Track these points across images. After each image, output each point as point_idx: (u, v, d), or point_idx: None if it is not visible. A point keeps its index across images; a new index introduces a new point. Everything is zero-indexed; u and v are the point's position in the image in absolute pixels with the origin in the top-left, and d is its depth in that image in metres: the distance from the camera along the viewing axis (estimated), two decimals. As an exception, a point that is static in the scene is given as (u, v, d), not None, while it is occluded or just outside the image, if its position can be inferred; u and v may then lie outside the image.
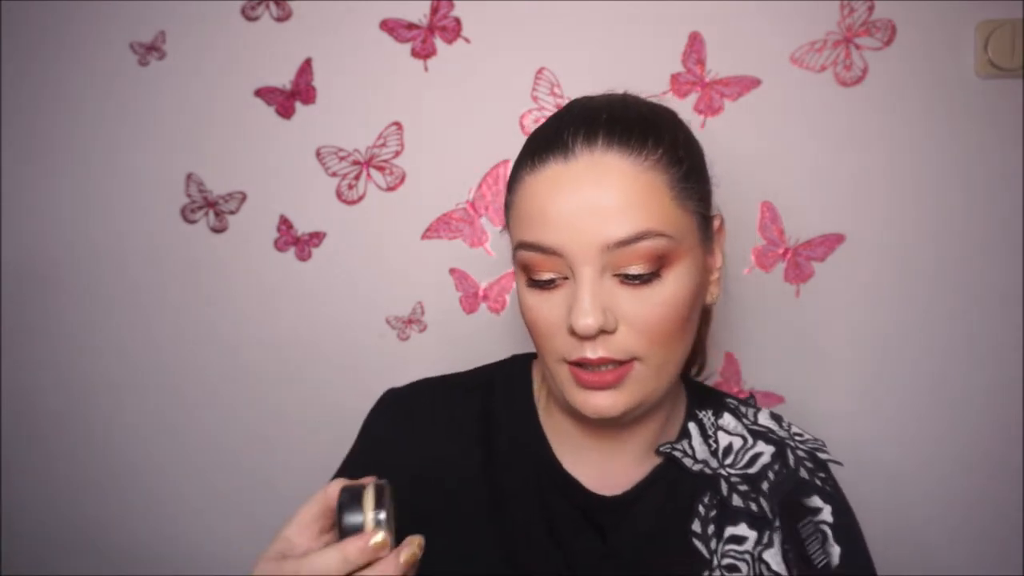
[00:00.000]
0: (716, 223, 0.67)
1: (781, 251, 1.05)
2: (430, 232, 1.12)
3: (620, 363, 0.60)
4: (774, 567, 0.64)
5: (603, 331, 0.58)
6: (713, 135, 1.05)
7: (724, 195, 1.05)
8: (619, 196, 0.58)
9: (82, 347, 1.21)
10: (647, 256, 0.58)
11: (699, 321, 0.68)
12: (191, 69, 1.14)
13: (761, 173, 1.05)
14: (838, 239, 1.04)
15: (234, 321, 1.17)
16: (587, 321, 0.57)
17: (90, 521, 1.24)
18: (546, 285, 0.61)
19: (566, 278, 0.60)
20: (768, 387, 1.08)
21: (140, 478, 1.22)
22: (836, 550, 0.67)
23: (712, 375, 1.08)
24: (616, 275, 0.59)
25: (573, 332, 0.59)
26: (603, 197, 0.58)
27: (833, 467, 0.75)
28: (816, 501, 0.69)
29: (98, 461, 1.23)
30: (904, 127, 1.02)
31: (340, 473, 0.74)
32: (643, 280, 0.59)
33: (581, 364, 0.60)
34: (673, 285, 0.60)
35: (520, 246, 0.62)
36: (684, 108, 1.05)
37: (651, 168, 0.60)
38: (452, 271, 1.12)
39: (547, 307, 0.61)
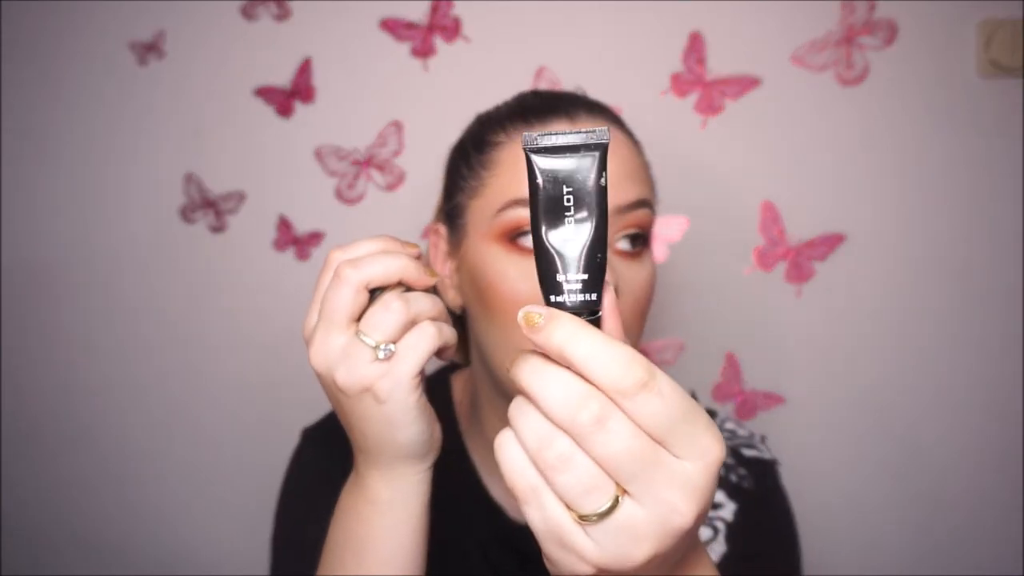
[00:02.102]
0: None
1: (781, 251, 1.05)
2: (430, 232, 1.11)
3: None
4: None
5: None
6: (713, 135, 1.05)
7: (724, 195, 1.06)
8: (624, 164, 0.60)
9: (81, 347, 1.21)
10: (643, 224, 0.60)
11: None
12: (190, 69, 1.14)
13: (761, 173, 1.05)
14: (838, 239, 1.04)
15: (233, 321, 1.17)
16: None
17: (88, 522, 1.23)
18: None
19: None
20: (768, 387, 1.07)
21: (139, 478, 1.22)
22: (720, 549, 0.63)
23: (712, 375, 1.08)
24: (614, 243, 0.59)
25: None
26: (613, 162, 0.57)
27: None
28: (718, 496, 0.66)
29: (97, 461, 1.22)
30: (905, 127, 1.02)
31: (281, 530, 0.71)
32: (637, 249, 0.59)
33: None
34: (650, 264, 0.61)
35: (516, 203, 0.57)
36: (684, 108, 1.05)
37: (639, 149, 0.64)
38: (452, 271, 1.12)
39: (530, 274, 0.56)
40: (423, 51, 1.10)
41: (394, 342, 0.46)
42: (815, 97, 1.02)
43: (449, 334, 0.48)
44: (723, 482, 0.67)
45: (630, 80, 1.05)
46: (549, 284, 0.35)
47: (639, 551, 0.33)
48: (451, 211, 0.66)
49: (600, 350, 0.32)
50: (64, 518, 1.24)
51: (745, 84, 1.04)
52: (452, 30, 1.09)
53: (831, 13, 1.01)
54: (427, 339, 0.46)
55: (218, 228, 1.16)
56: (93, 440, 1.22)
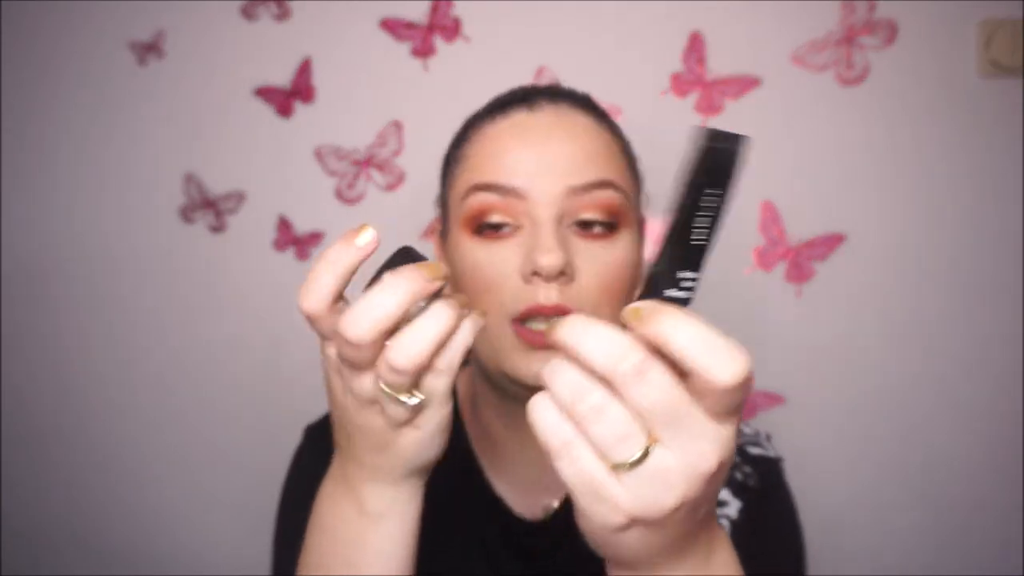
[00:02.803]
0: (644, 221, 0.68)
1: (782, 251, 1.05)
2: (430, 232, 1.11)
3: None
4: None
5: (562, 275, 0.57)
6: (713, 135, 1.05)
7: (724, 195, 1.06)
8: (583, 146, 0.60)
9: (81, 347, 1.21)
10: (606, 206, 0.59)
11: None
12: (190, 68, 1.14)
13: (761, 173, 1.05)
14: (839, 239, 1.04)
15: (233, 321, 1.17)
16: (551, 257, 0.55)
17: (88, 522, 1.23)
18: (496, 231, 0.59)
19: (519, 227, 0.59)
20: (768, 387, 1.07)
21: (139, 478, 1.22)
22: None
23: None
24: (575, 224, 0.59)
25: (534, 274, 0.56)
26: (567, 145, 0.59)
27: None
28: (723, 494, 0.66)
29: (96, 462, 1.22)
30: (905, 126, 1.02)
31: (282, 529, 0.71)
32: (602, 232, 0.59)
33: (529, 318, 0.57)
34: (626, 247, 0.60)
35: (475, 188, 0.60)
36: (684, 108, 1.05)
37: (608, 130, 0.63)
38: (452, 271, 1.12)
39: (496, 258, 0.58)
40: (423, 51, 1.10)
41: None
42: (815, 97, 1.02)
43: (469, 337, 0.46)
44: (728, 480, 0.67)
45: (630, 80, 1.05)
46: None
47: (670, 497, 0.34)
48: (441, 206, 0.69)
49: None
50: (64, 519, 1.24)
51: (745, 84, 1.04)
52: (452, 30, 1.09)
53: (831, 13, 1.01)
54: (459, 354, 0.44)
55: (218, 228, 1.16)
56: (92, 440, 1.22)
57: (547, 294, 0.56)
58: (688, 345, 0.33)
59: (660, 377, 0.33)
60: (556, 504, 0.67)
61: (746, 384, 0.33)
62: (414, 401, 0.42)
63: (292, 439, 1.11)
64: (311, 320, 0.42)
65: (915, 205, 1.02)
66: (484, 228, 0.59)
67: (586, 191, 0.58)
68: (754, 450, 0.71)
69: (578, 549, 0.64)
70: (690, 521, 0.37)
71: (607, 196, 0.59)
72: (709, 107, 1.04)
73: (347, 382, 0.43)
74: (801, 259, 1.05)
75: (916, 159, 1.02)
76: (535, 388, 0.53)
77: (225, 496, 1.20)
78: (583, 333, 0.34)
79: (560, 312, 0.56)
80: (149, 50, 1.15)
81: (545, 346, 0.57)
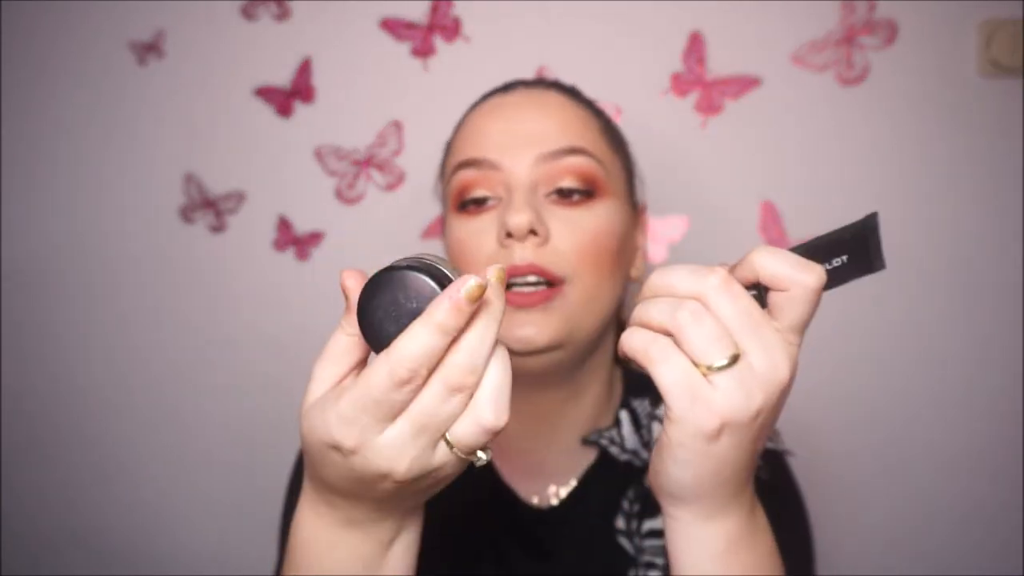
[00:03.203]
0: (642, 209, 0.71)
1: (781, 251, 1.05)
2: (430, 232, 1.11)
3: (548, 285, 0.59)
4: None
5: (534, 234, 0.58)
6: (713, 135, 1.05)
7: (724, 195, 1.06)
8: (555, 118, 0.63)
9: (80, 347, 1.21)
10: (579, 172, 0.61)
11: (622, 294, 0.67)
12: (190, 69, 1.14)
13: (761, 173, 1.05)
14: (839, 239, 1.04)
15: (233, 321, 1.17)
16: (519, 217, 0.57)
17: (88, 522, 1.23)
18: (478, 205, 0.61)
19: (499, 200, 0.61)
20: (768, 387, 1.07)
21: (138, 479, 1.22)
22: None
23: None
24: (554, 193, 0.61)
25: (507, 236, 0.58)
26: (540, 118, 0.62)
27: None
28: None
29: (96, 462, 1.22)
30: (905, 127, 1.02)
31: (285, 529, 0.70)
32: (577, 199, 0.61)
33: (509, 282, 0.58)
34: (605, 215, 0.62)
35: (457, 167, 0.63)
36: (684, 108, 1.05)
37: (585, 109, 0.66)
38: (452, 271, 1.12)
39: (475, 229, 0.61)
40: (423, 51, 1.10)
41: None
42: (815, 97, 1.02)
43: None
44: None
45: (630, 80, 1.05)
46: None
47: (755, 400, 0.39)
48: (441, 200, 0.71)
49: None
50: (64, 519, 1.24)
51: (745, 84, 1.04)
52: (452, 30, 1.09)
53: (831, 13, 1.01)
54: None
55: (218, 228, 1.16)
56: (91, 440, 1.22)
57: (522, 254, 0.58)
58: (777, 265, 0.39)
59: (742, 290, 0.39)
60: (564, 492, 0.67)
61: (820, 290, 0.40)
62: (487, 456, 0.41)
63: (291, 440, 1.11)
64: (492, 433, 0.39)
65: (915, 205, 1.02)
66: (468, 204, 0.62)
67: (556, 158, 0.60)
68: (766, 443, 0.71)
69: (586, 535, 0.65)
70: (762, 439, 0.42)
71: (579, 162, 0.61)
72: (709, 107, 1.04)
73: (438, 464, 0.40)
74: (801, 259, 1.05)
75: (916, 159, 1.02)
76: (524, 355, 0.56)
77: (224, 496, 1.20)
78: (670, 269, 0.40)
79: (535, 272, 0.58)
80: (149, 50, 1.15)
81: (525, 304, 0.58)
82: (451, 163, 0.65)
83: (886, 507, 1.06)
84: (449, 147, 0.69)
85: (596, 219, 0.61)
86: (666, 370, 0.38)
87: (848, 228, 0.44)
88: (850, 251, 0.43)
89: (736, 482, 0.42)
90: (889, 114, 1.01)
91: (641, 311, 0.40)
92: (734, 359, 0.38)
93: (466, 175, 0.62)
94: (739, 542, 0.44)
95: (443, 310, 0.36)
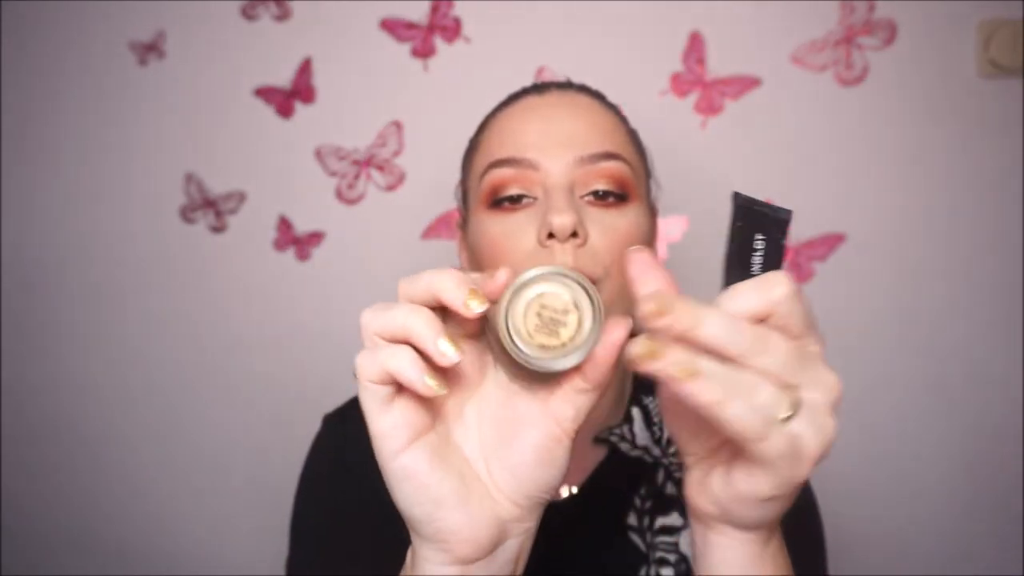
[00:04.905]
0: (656, 212, 0.72)
1: (781, 251, 1.05)
2: (430, 232, 1.11)
3: None
4: (682, 548, 0.64)
5: (575, 236, 0.59)
6: (713, 135, 1.05)
7: (724, 195, 1.06)
8: (590, 122, 0.64)
9: (80, 347, 1.21)
10: (615, 176, 0.62)
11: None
12: (191, 69, 1.14)
13: (761, 173, 1.05)
14: (838, 239, 1.04)
15: (233, 321, 1.17)
16: (564, 218, 0.57)
17: (87, 523, 1.23)
18: (513, 203, 0.62)
19: (535, 200, 0.61)
20: (768, 387, 1.07)
21: (138, 479, 1.22)
22: None
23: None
24: (588, 194, 0.61)
25: (549, 236, 0.58)
26: (576, 121, 0.63)
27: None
28: None
29: (95, 462, 1.22)
30: (905, 127, 1.02)
31: (297, 515, 0.71)
32: (612, 201, 0.61)
33: None
34: (636, 217, 0.63)
35: (492, 166, 0.63)
36: (684, 108, 1.05)
37: (615, 114, 0.67)
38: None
39: (512, 227, 0.61)
40: (423, 51, 1.10)
41: None
42: (815, 97, 1.02)
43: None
44: None
45: (630, 80, 1.05)
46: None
47: (829, 429, 0.38)
48: (461, 198, 0.71)
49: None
50: (63, 519, 1.24)
51: (745, 84, 1.04)
52: (452, 30, 1.09)
53: (831, 13, 1.01)
54: None
55: (218, 228, 1.16)
56: (91, 440, 1.22)
57: (563, 256, 0.58)
58: (750, 302, 0.36)
59: (776, 334, 0.36)
60: (576, 489, 0.68)
61: (797, 293, 0.37)
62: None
63: (291, 439, 1.11)
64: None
65: (915, 205, 1.02)
66: (501, 202, 0.62)
67: (593, 161, 0.61)
68: None
69: (597, 532, 0.65)
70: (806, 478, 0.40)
71: (615, 167, 0.62)
72: (709, 107, 1.04)
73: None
74: (801, 259, 1.05)
75: (916, 159, 1.02)
76: None
77: (223, 496, 1.20)
78: (697, 318, 0.35)
79: None
80: (149, 50, 1.15)
81: None
82: (482, 162, 0.65)
83: (884, 507, 1.06)
84: (476, 145, 0.69)
85: (628, 221, 0.62)
86: (766, 447, 0.36)
87: (734, 221, 0.42)
88: (755, 230, 0.42)
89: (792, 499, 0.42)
90: (889, 114, 1.02)
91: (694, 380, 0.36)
92: (798, 402, 0.37)
93: (502, 173, 0.62)
94: (779, 548, 0.45)
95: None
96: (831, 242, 1.04)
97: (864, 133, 1.02)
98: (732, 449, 0.40)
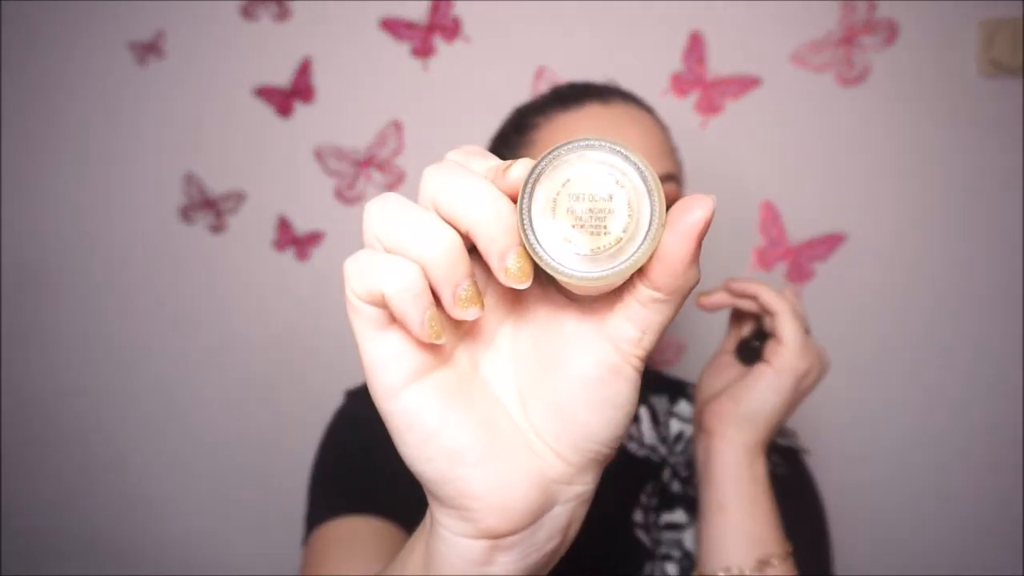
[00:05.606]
0: None
1: (782, 251, 1.05)
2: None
3: None
4: (686, 545, 0.65)
5: None
6: (713, 135, 1.05)
7: (724, 195, 1.06)
8: (653, 141, 0.65)
9: (81, 347, 1.21)
10: (671, 198, 0.63)
11: None
12: (190, 69, 1.14)
13: (761, 173, 1.05)
14: (839, 239, 1.04)
15: (233, 321, 1.17)
16: None
17: (88, 523, 1.23)
18: None
19: None
20: (768, 387, 1.07)
21: (138, 479, 1.22)
22: None
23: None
24: None
25: None
26: (641, 138, 0.64)
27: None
28: None
29: (96, 462, 1.22)
30: (906, 126, 1.02)
31: (317, 472, 0.71)
32: None
33: None
34: None
35: None
36: (684, 108, 1.05)
37: (667, 133, 0.69)
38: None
39: None
40: (423, 51, 1.10)
41: None
42: (815, 97, 1.02)
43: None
44: None
45: (630, 80, 1.04)
46: None
47: (823, 360, 0.61)
48: None
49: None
50: (63, 519, 1.24)
51: (745, 84, 1.04)
52: (452, 30, 1.09)
53: (831, 13, 1.01)
54: None
55: (218, 228, 1.16)
56: (92, 441, 1.22)
57: None
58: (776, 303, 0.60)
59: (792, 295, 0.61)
60: None
61: (794, 307, 0.61)
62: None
63: (292, 438, 1.12)
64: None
65: (915, 205, 1.02)
66: None
67: (662, 180, 0.63)
68: (782, 440, 0.73)
69: (603, 529, 0.66)
70: (800, 400, 0.61)
71: (673, 189, 0.65)
72: (709, 107, 1.04)
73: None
74: (801, 259, 1.05)
75: (916, 159, 1.02)
76: None
77: (223, 496, 1.20)
78: (758, 287, 0.61)
79: None
80: (149, 50, 1.15)
81: None
82: None
83: (884, 507, 1.06)
84: (524, 142, 0.67)
85: None
86: (791, 324, 0.57)
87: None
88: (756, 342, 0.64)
89: (775, 431, 0.59)
90: (889, 114, 1.01)
91: (762, 290, 0.60)
92: (807, 331, 0.59)
93: None
94: (765, 481, 0.60)
95: None
96: (831, 242, 1.04)
97: (865, 133, 1.02)
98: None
